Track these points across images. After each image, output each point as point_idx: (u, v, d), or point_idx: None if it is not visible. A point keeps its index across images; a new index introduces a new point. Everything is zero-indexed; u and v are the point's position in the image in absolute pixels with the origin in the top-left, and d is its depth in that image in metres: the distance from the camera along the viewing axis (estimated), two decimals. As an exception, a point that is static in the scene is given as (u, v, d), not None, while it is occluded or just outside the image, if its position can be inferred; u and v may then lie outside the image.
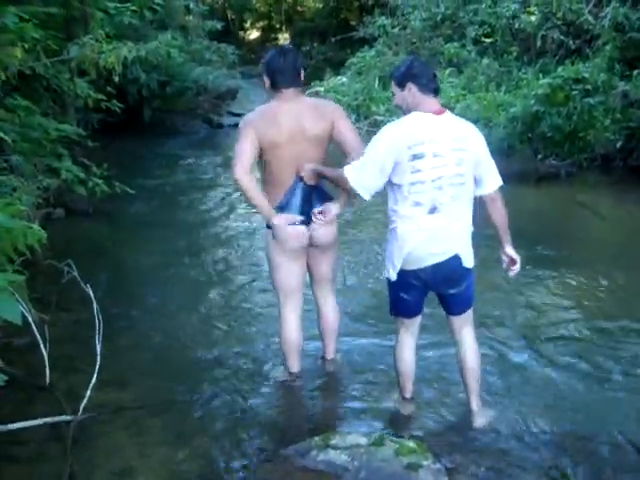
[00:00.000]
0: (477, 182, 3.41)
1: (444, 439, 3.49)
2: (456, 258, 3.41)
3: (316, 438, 3.22)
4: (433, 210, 3.33)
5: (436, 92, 3.38)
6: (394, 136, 3.31)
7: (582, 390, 4.00)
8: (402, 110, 3.45)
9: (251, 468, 3.25)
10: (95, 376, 3.74)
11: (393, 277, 3.46)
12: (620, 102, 9.41)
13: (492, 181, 3.42)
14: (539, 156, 9.85)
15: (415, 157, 3.25)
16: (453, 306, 3.59)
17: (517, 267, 3.55)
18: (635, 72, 9.65)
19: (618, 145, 9.49)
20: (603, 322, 4.91)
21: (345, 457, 3.08)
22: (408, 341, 3.67)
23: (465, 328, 3.63)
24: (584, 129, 9.61)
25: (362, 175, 3.32)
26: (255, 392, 3.98)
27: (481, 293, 4.21)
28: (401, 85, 3.41)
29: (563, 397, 3.92)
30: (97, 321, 3.99)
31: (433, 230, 3.35)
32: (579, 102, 9.54)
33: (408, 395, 3.78)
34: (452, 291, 3.50)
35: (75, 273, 4.10)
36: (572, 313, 5.09)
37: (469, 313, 3.63)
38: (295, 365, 4.04)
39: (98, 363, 3.82)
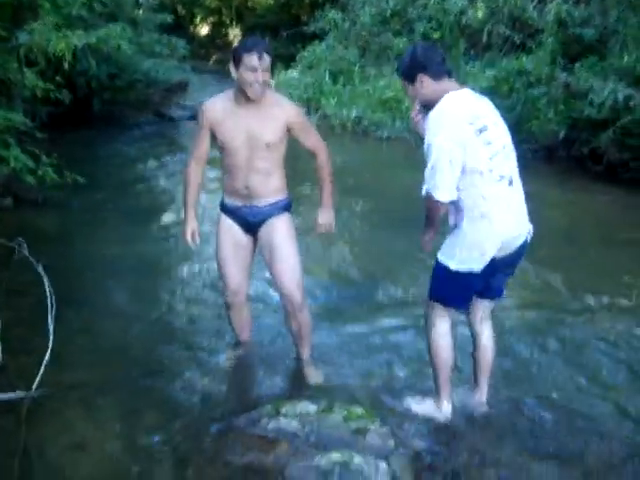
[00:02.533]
0: None
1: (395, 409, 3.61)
2: (529, 234, 3.32)
3: (267, 406, 3.32)
4: (511, 182, 3.17)
5: (449, 74, 3.19)
6: (448, 122, 3.06)
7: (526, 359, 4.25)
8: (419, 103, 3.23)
9: (204, 438, 3.33)
10: (48, 355, 3.75)
11: (478, 269, 3.19)
12: (562, 93, 9.68)
13: None
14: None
15: (481, 131, 3.06)
16: (497, 288, 3.42)
17: None
18: (577, 65, 9.94)
19: (561, 135, 9.76)
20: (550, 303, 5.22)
21: (295, 424, 3.19)
22: (448, 324, 3.42)
23: (488, 317, 3.53)
24: (528, 120, 9.87)
25: (442, 181, 3.06)
26: (206, 368, 4.06)
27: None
28: (410, 79, 3.18)
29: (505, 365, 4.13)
30: (49, 301, 4.00)
31: (517, 206, 3.21)
32: (523, 93, 9.80)
33: (449, 394, 3.49)
34: (509, 271, 3.40)
35: (26, 252, 4.10)
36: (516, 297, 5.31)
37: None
38: None
39: (51, 343, 3.83)
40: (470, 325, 3.59)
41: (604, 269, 5.94)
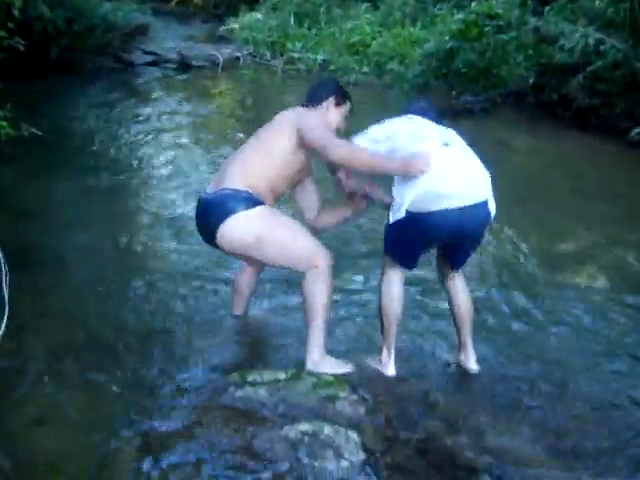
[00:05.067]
0: None
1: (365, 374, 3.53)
2: (485, 205, 3.18)
3: (234, 374, 3.22)
4: (446, 144, 3.18)
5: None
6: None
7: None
8: None
9: (170, 409, 3.21)
10: (4, 323, 3.60)
11: (401, 215, 3.16)
12: (532, 38, 9.52)
13: None
14: (454, 92, 9.93)
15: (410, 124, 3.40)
16: (461, 259, 3.44)
17: None
18: (547, 8, 9.75)
19: (530, 81, 9.63)
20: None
21: (263, 393, 3.09)
22: (398, 276, 3.39)
23: (459, 275, 3.50)
24: (497, 65, 9.71)
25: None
26: (171, 332, 3.96)
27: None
28: None
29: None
30: (3, 266, 3.83)
31: (456, 162, 3.14)
32: (492, 38, 9.62)
33: (393, 348, 3.42)
34: (469, 245, 3.38)
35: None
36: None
37: None
38: None
39: (7, 309, 3.67)
40: (442, 284, 3.59)
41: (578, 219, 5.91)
